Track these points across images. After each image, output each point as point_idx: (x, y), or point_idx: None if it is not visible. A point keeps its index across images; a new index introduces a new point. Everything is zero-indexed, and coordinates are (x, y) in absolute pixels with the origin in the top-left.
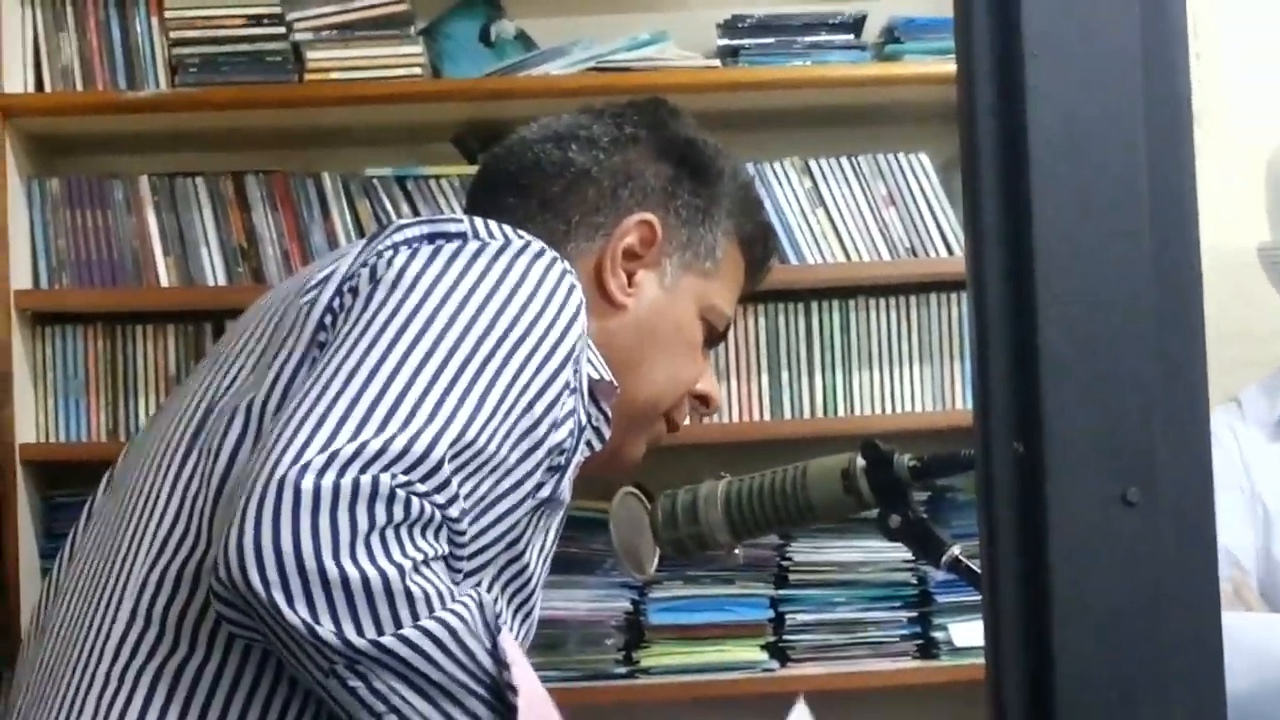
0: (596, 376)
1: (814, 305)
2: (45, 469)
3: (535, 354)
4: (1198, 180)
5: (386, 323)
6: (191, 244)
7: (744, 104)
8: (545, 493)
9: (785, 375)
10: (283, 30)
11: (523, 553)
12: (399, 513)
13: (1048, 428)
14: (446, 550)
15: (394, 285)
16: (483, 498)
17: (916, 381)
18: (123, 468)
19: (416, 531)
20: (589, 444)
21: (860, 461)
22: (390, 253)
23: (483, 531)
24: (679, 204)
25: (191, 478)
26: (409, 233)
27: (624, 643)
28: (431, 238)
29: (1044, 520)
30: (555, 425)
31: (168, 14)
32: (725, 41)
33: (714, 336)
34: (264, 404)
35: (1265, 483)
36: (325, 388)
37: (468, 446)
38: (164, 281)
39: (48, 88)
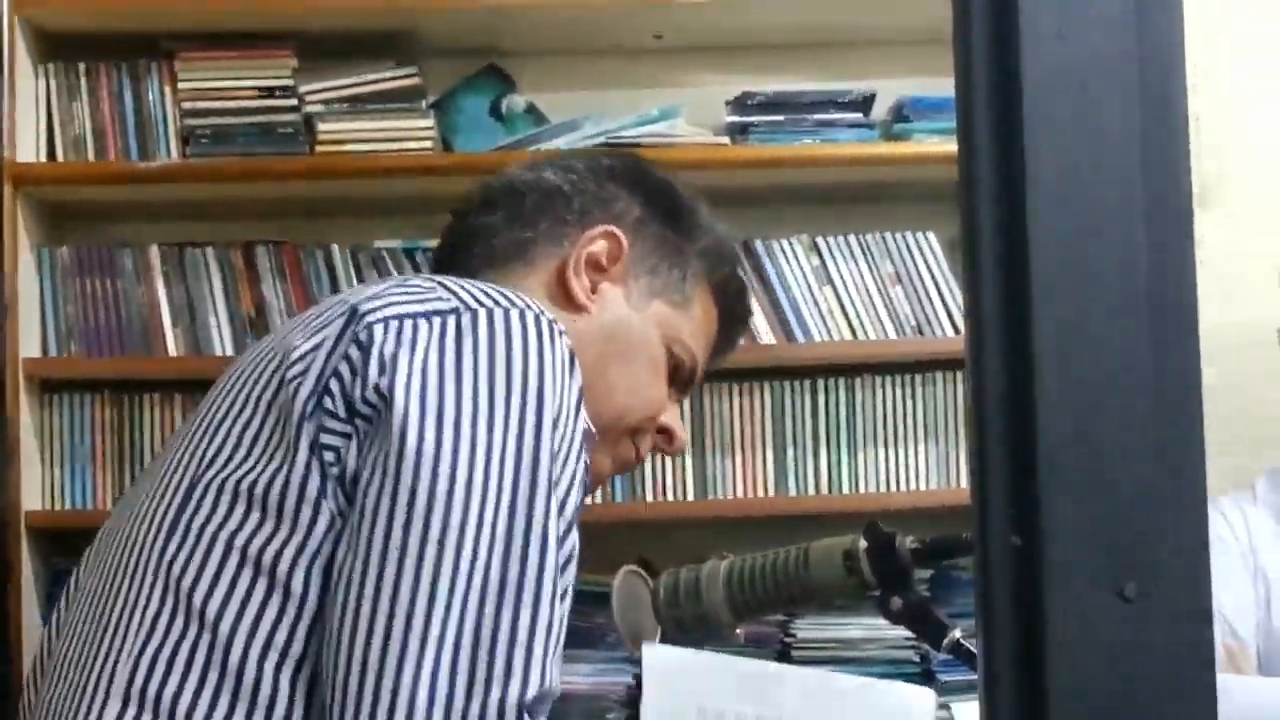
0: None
1: (820, 383)
2: (51, 536)
3: (561, 463)
4: (1212, 261)
5: (442, 518)
6: (200, 313)
7: (752, 181)
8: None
9: (790, 452)
10: (294, 102)
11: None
12: None
13: (1045, 522)
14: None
15: (431, 453)
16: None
17: (921, 460)
18: (106, 535)
19: None
20: None
21: (863, 544)
22: (380, 329)
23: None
24: (648, 232)
25: (175, 557)
26: (400, 309)
27: (626, 717)
28: (428, 316)
29: (1041, 615)
30: (577, 508)
31: (180, 85)
32: (735, 118)
33: (681, 376)
34: (266, 490)
35: (1269, 559)
36: (419, 630)
37: (558, 624)
38: (172, 351)
39: (59, 157)
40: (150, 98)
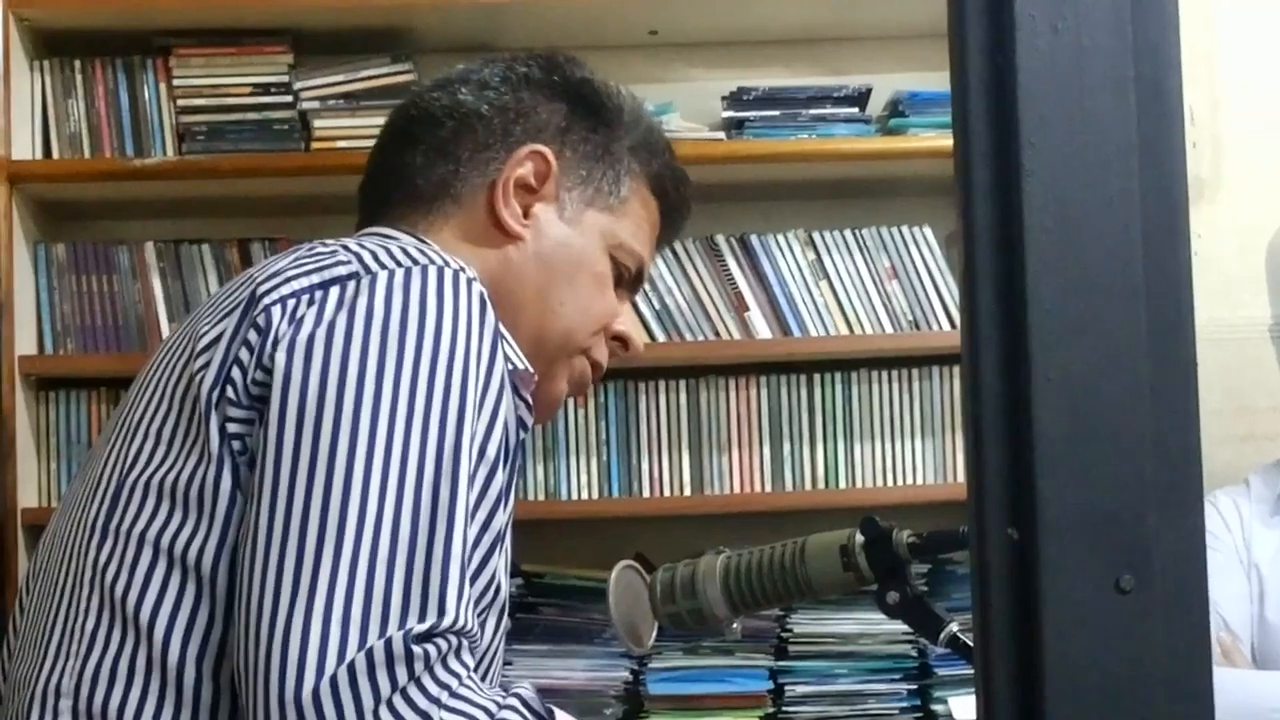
0: (513, 366)
1: (816, 377)
2: None
3: (472, 407)
4: (1208, 255)
5: (328, 457)
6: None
7: (748, 176)
8: (510, 498)
9: (787, 447)
10: (290, 99)
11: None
12: (419, 666)
13: (1042, 514)
14: (474, 662)
15: (316, 395)
16: (483, 560)
17: (917, 454)
18: (47, 540)
19: (438, 668)
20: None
21: (859, 538)
22: (278, 310)
23: (489, 583)
24: (575, 139)
25: (109, 563)
26: (297, 284)
27: (623, 713)
28: (324, 286)
29: (1038, 606)
30: (503, 451)
31: (175, 82)
32: (730, 113)
33: (628, 278)
34: (187, 487)
35: (1261, 553)
36: (310, 576)
37: (469, 548)
38: None
39: (55, 154)
40: (146, 95)
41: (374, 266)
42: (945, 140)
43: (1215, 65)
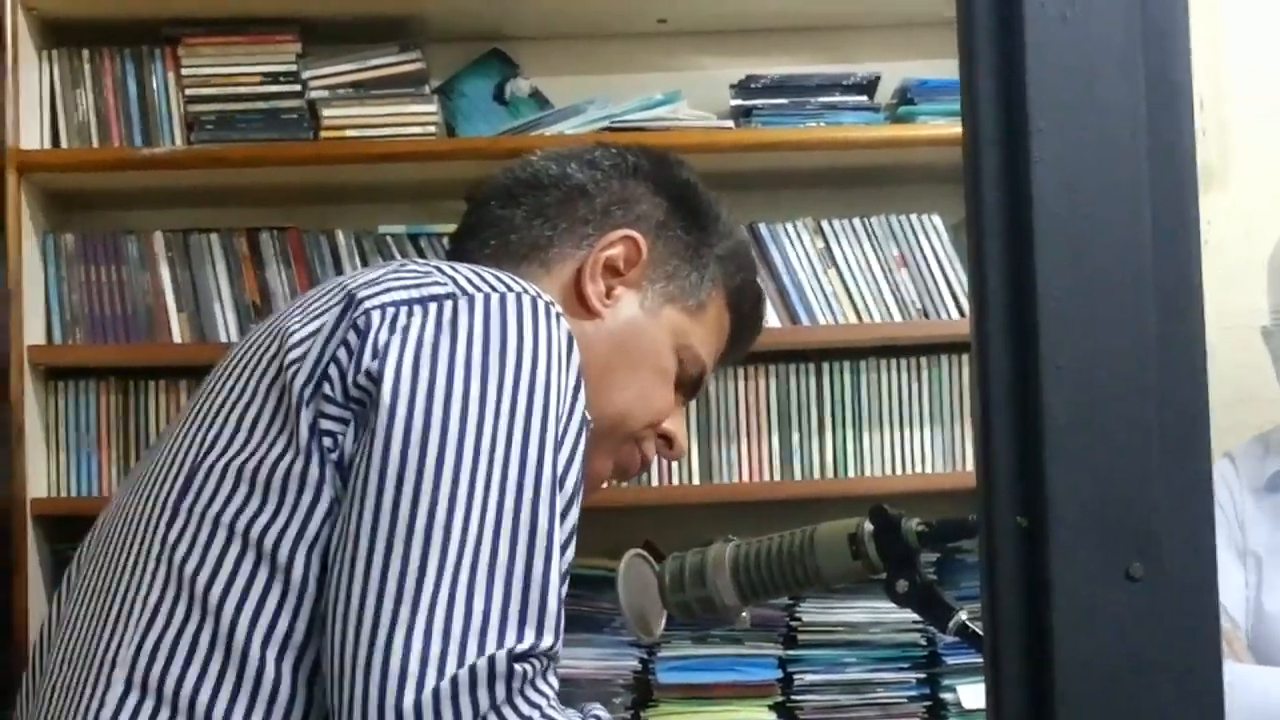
0: None
1: (825, 366)
2: (56, 523)
3: (558, 438)
4: (1217, 243)
5: (434, 474)
6: (205, 300)
7: (757, 164)
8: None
9: (796, 436)
10: (298, 88)
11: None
12: (516, 684)
13: (1051, 502)
14: (557, 684)
15: (422, 414)
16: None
17: (926, 442)
18: (105, 524)
19: (529, 688)
20: None
21: (868, 527)
22: (378, 315)
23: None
24: (670, 235)
25: (179, 542)
26: (396, 295)
27: (632, 701)
28: (423, 302)
29: (1047, 594)
30: (578, 486)
31: (184, 71)
32: (738, 102)
33: (687, 381)
34: (270, 474)
35: (1256, 538)
36: (414, 587)
37: (565, 574)
38: (177, 337)
39: (64, 144)
40: (154, 84)
41: (470, 289)
42: (954, 128)
43: (1222, 52)
